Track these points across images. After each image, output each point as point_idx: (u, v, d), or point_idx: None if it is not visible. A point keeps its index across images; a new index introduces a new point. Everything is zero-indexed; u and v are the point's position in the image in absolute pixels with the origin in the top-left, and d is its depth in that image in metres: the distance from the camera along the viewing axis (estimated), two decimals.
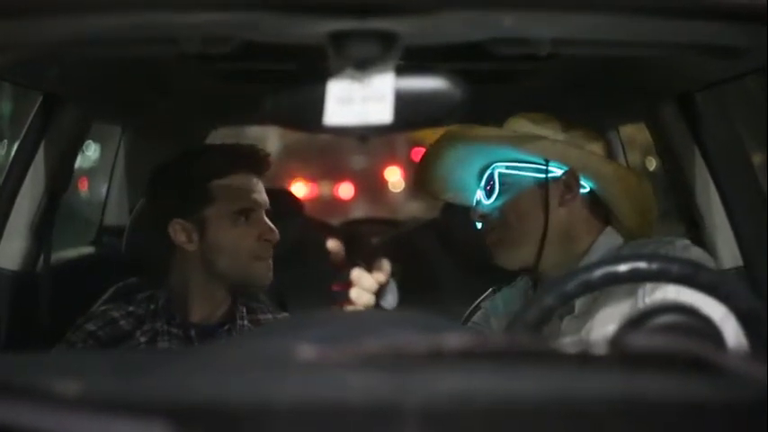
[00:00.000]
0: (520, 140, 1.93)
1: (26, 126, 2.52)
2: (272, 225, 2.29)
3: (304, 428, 0.87)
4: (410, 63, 1.29)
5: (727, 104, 1.94)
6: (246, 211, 2.27)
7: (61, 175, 2.65)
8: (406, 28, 1.26)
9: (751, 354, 1.27)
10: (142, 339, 2.23)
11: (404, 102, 1.25)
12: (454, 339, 0.96)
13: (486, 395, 0.90)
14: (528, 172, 1.97)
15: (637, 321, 1.26)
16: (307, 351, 0.94)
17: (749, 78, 2.04)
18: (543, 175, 1.95)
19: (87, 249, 3.22)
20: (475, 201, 2.05)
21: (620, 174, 1.97)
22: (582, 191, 1.99)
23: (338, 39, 1.26)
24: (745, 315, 1.47)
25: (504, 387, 0.93)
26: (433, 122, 1.36)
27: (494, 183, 1.98)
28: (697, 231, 2.46)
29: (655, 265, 1.53)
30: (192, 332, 2.24)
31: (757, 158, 1.95)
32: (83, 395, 0.86)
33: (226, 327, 2.27)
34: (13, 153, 2.58)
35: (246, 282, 2.29)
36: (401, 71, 1.26)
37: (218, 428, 0.87)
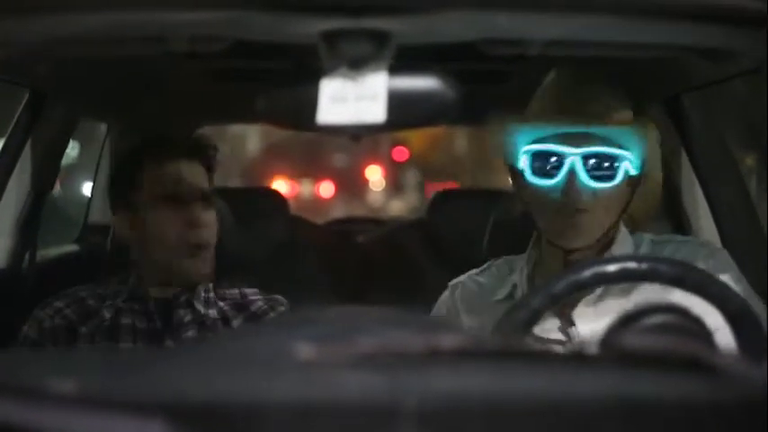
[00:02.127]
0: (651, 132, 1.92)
1: (12, 123, 2.51)
2: (203, 217, 2.24)
3: (300, 427, 0.87)
4: (403, 63, 1.29)
5: (714, 106, 1.95)
6: (172, 198, 2.23)
7: (47, 173, 2.64)
8: (400, 27, 1.26)
9: (741, 353, 1.28)
10: (107, 315, 2.23)
11: (397, 101, 1.25)
12: (449, 339, 0.96)
13: (482, 395, 0.90)
14: (625, 163, 1.90)
15: (629, 321, 1.27)
16: (303, 350, 0.94)
17: (736, 81, 2.05)
18: (636, 172, 1.91)
19: (72, 247, 3.22)
20: (568, 178, 1.90)
21: (660, 177, 1.99)
22: None
23: (331, 38, 1.26)
24: (734, 315, 1.48)
25: (499, 387, 0.93)
26: (426, 122, 1.37)
27: (600, 167, 1.89)
28: (683, 231, 2.48)
29: (644, 266, 1.54)
30: (152, 305, 2.24)
31: (747, 160, 1.96)
32: (79, 393, 0.86)
33: (183, 297, 2.25)
34: None
35: (176, 273, 2.25)
36: (394, 70, 1.27)
37: (214, 427, 0.87)
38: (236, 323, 2.29)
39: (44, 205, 2.66)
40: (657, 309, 1.35)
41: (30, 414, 0.81)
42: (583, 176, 1.87)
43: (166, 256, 2.22)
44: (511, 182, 2.03)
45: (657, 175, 1.99)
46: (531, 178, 1.92)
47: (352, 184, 16.94)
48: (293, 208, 3.49)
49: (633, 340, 1.00)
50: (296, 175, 16.36)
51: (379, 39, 1.26)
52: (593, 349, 0.99)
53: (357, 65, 1.26)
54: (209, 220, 2.26)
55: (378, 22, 1.25)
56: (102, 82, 2.61)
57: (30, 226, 2.60)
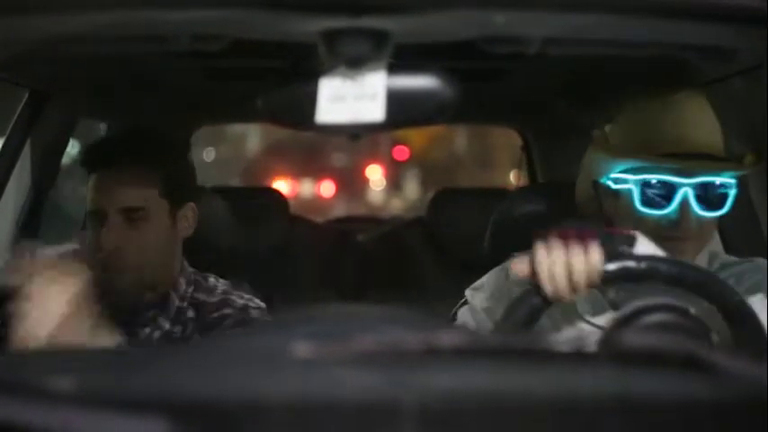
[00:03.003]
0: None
1: (12, 122, 2.51)
2: (118, 235, 2.01)
3: (299, 425, 0.88)
4: (402, 61, 1.29)
5: (717, 104, 1.94)
6: (93, 215, 2.05)
7: (47, 172, 2.64)
8: (398, 26, 1.26)
9: (740, 352, 1.28)
10: None
11: (396, 100, 1.25)
12: (449, 337, 0.96)
13: (481, 392, 0.91)
14: (732, 190, 1.88)
15: (628, 320, 1.27)
16: (302, 348, 0.94)
17: (738, 78, 2.05)
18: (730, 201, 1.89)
19: (72, 245, 3.21)
20: (682, 205, 1.86)
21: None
22: None
23: (330, 37, 1.26)
24: (732, 314, 1.48)
25: (498, 384, 0.93)
26: (425, 121, 1.37)
27: (709, 197, 1.87)
28: None
29: (643, 265, 1.54)
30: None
31: (747, 159, 1.95)
32: (79, 392, 0.86)
33: (150, 313, 2.11)
34: None
35: (116, 296, 2.02)
36: (393, 69, 1.27)
37: (214, 425, 0.87)
38: (190, 331, 2.12)
39: (44, 204, 2.66)
40: (656, 308, 1.36)
41: (31, 413, 0.81)
42: (695, 207, 1.85)
43: (95, 275, 1.96)
44: (600, 198, 1.98)
45: None
46: (641, 207, 1.88)
47: (352, 184, 16.94)
48: (294, 207, 3.49)
49: (633, 339, 1.00)
50: (297, 174, 16.36)
51: (378, 38, 1.26)
52: (592, 348, 0.99)
53: (356, 64, 1.26)
54: (137, 239, 2.04)
55: (376, 22, 1.25)
56: (102, 81, 2.61)
57: (30, 225, 2.60)
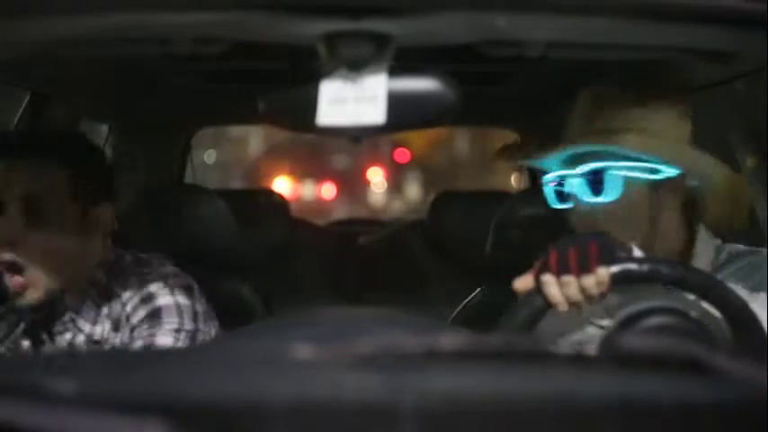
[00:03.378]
0: (642, 140, 1.87)
1: (13, 124, 2.51)
2: (14, 233, 1.95)
3: (300, 428, 0.88)
4: (402, 64, 1.29)
5: (718, 107, 1.94)
6: None
7: None
8: (399, 29, 1.26)
9: (742, 355, 1.28)
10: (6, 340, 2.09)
11: (396, 103, 1.25)
12: (449, 339, 0.96)
13: (481, 396, 0.90)
14: (640, 172, 1.88)
15: (629, 323, 1.27)
16: (302, 351, 0.94)
17: (740, 82, 2.05)
18: (656, 177, 1.88)
19: None
20: (574, 197, 1.91)
21: (730, 179, 1.90)
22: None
23: (331, 39, 1.26)
24: (735, 317, 1.48)
25: (498, 387, 0.93)
26: (426, 124, 1.37)
27: (602, 181, 1.87)
28: None
29: (645, 267, 1.54)
30: (30, 332, 2.09)
31: (748, 161, 1.95)
32: (78, 394, 0.86)
33: (67, 315, 2.07)
34: None
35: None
36: (394, 72, 1.27)
37: (214, 428, 0.87)
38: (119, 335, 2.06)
39: None
40: (657, 310, 1.36)
41: (27, 415, 0.81)
42: (586, 196, 1.87)
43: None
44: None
45: (735, 183, 1.92)
46: (555, 205, 1.93)
47: (354, 186, 16.94)
48: (295, 210, 3.49)
49: (633, 342, 1.00)
50: (298, 176, 16.35)
51: (379, 40, 1.26)
52: (592, 351, 0.99)
53: (357, 66, 1.26)
54: (34, 241, 1.97)
55: (377, 24, 1.25)
56: (104, 83, 2.62)
57: None
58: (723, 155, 2.15)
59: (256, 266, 2.59)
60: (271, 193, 3.52)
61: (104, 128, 3.35)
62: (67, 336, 2.07)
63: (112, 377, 0.94)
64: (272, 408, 0.88)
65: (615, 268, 1.55)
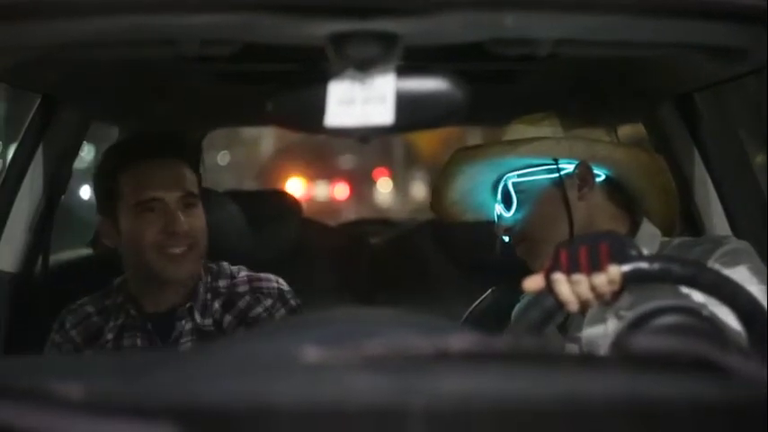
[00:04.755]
0: (524, 146, 1.92)
1: (24, 128, 2.52)
2: (178, 215, 2.16)
3: (309, 430, 0.87)
4: (411, 64, 1.29)
5: (726, 105, 1.94)
6: (148, 203, 2.16)
7: (59, 177, 2.64)
8: (407, 29, 1.26)
9: (754, 354, 1.27)
10: (109, 336, 2.23)
11: (405, 103, 1.25)
12: (458, 341, 0.96)
13: (491, 397, 0.90)
14: (540, 175, 1.95)
15: (639, 322, 1.26)
16: (310, 352, 0.94)
17: (747, 79, 2.04)
18: (556, 174, 1.94)
19: (85, 251, 3.22)
20: (495, 216, 2.02)
21: (633, 153, 1.96)
22: (598, 179, 1.97)
23: (339, 40, 1.26)
24: (747, 315, 1.47)
25: (508, 388, 0.93)
26: (435, 123, 1.36)
27: (509, 194, 1.96)
28: (696, 230, 2.47)
29: (657, 266, 1.53)
30: (149, 325, 2.22)
31: (756, 158, 1.95)
32: (86, 397, 0.86)
33: (184, 307, 2.22)
34: (11, 155, 2.57)
35: (156, 276, 2.18)
36: (402, 72, 1.26)
37: (222, 430, 0.87)
38: (227, 323, 2.24)
39: (57, 209, 2.67)
40: (668, 310, 1.35)
41: (34, 418, 0.81)
42: (504, 212, 1.99)
43: (145, 261, 2.17)
44: None
45: (639, 156, 1.97)
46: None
47: (366, 186, 16.95)
48: (308, 210, 3.48)
49: (643, 342, 0.99)
50: (310, 177, 16.35)
51: (387, 40, 1.26)
52: (601, 351, 0.99)
53: (365, 67, 1.26)
54: (192, 224, 2.19)
55: (385, 24, 1.25)
56: (113, 85, 2.62)
57: (43, 230, 2.60)
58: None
59: (268, 267, 2.58)
60: (282, 193, 3.52)
61: (114, 130, 3.35)
62: (183, 322, 2.22)
63: (122, 380, 0.94)
64: (281, 409, 0.88)
65: (626, 267, 1.54)
